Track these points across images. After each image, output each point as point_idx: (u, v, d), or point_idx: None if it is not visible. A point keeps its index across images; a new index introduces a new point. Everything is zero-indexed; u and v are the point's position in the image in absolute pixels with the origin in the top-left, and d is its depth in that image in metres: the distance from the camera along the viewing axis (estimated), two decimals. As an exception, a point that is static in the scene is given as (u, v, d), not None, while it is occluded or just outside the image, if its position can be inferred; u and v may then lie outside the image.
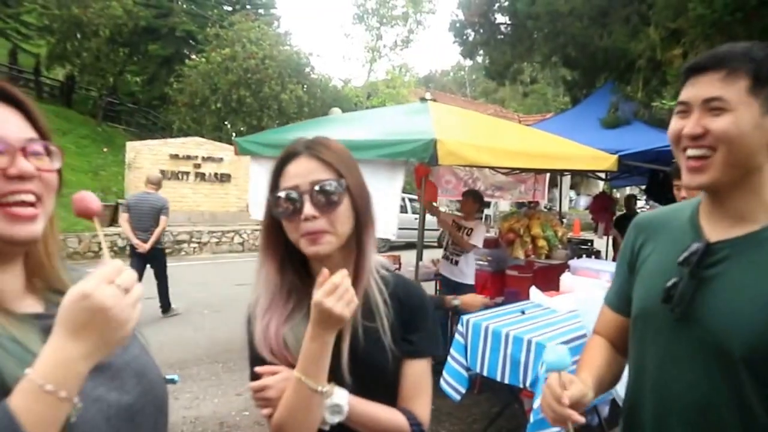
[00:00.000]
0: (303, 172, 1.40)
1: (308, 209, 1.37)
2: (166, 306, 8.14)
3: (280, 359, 1.43)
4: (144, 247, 7.87)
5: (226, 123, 22.24)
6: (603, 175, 9.32)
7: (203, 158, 16.98)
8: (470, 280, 6.59)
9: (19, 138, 1.03)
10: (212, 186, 17.10)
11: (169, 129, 22.97)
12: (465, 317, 4.54)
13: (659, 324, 1.42)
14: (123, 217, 7.99)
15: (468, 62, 27.32)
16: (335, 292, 1.27)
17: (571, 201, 29.69)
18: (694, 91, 1.34)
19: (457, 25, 12.89)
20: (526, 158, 5.67)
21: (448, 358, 4.51)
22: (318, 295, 1.28)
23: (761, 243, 1.32)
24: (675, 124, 1.39)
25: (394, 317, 1.47)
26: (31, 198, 1.02)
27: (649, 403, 1.44)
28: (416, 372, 1.49)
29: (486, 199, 11.25)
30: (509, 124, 7.21)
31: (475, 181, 9.60)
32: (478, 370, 4.32)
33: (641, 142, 7.55)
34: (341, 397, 1.37)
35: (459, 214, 7.25)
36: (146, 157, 16.20)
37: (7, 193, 1.00)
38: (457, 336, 4.56)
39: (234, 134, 21.03)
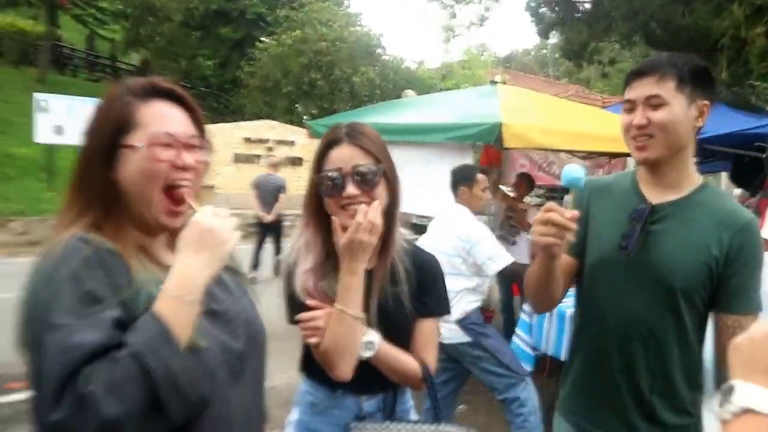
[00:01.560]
0: (346, 157, 1.73)
1: (350, 189, 1.71)
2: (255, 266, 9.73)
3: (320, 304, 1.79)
4: (267, 218, 9.75)
5: (297, 106, 22.78)
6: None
7: (275, 141, 17.50)
8: (527, 261, 6.70)
9: (185, 134, 1.32)
10: (284, 169, 17.44)
11: (240, 112, 23.69)
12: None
13: (615, 267, 1.89)
14: (252, 194, 9.97)
15: (550, 41, 26.93)
16: (359, 229, 1.65)
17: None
18: (638, 91, 1.81)
19: (533, 4, 12.94)
20: (598, 141, 5.81)
21: (513, 337, 4.74)
22: (348, 233, 1.66)
23: (690, 205, 1.83)
24: (624, 118, 1.85)
25: (412, 282, 1.84)
26: (188, 184, 1.32)
27: (612, 331, 1.90)
28: (428, 328, 1.88)
29: (561, 183, 11.29)
30: (580, 106, 7.33)
31: (550, 165, 9.77)
32: (543, 348, 4.53)
33: (724, 125, 7.53)
34: (374, 336, 1.75)
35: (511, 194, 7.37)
36: (219, 140, 16.54)
37: (173, 179, 1.29)
38: (522, 315, 4.79)
39: (305, 117, 21.49)
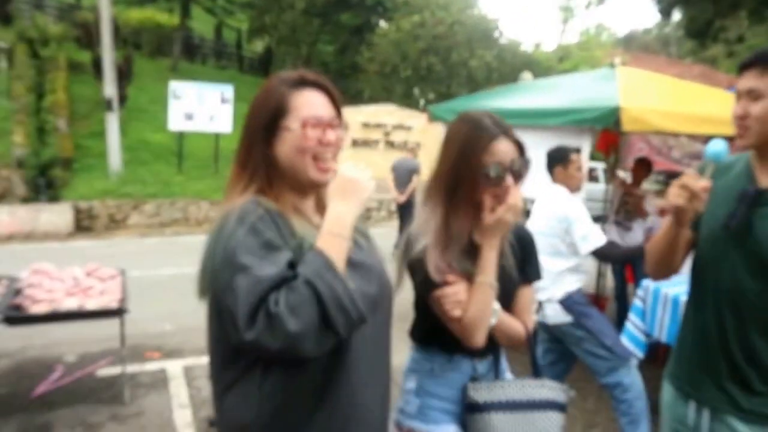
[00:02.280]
0: (505, 151, 1.88)
1: (509, 182, 1.87)
2: None
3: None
4: (400, 198, 10.83)
5: (414, 90, 22.92)
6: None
7: (393, 126, 17.70)
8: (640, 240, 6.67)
9: (329, 116, 1.60)
10: (402, 154, 17.30)
11: (359, 97, 24.08)
12: (645, 282, 4.63)
13: (719, 244, 2.01)
14: (389, 177, 11.08)
15: (675, 17, 25.77)
16: (509, 209, 1.86)
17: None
18: (742, 83, 1.91)
19: (655, -19, 12.47)
20: (716, 124, 5.49)
21: (627, 322, 4.66)
22: (499, 212, 1.86)
23: None
24: (733, 107, 1.95)
25: (516, 254, 2.05)
26: (331, 157, 1.60)
27: (710, 304, 2.03)
28: (528, 294, 2.09)
29: (680, 168, 10.89)
30: (703, 88, 7.07)
31: (669, 149, 9.52)
32: (656, 335, 4.41)
33: None
34: (497, 303, 1.93)
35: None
36: None
37: (320, 153, 1.57)
38: (636, 300, 4.68)
39: (422, 101, 21.67)
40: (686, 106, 5.71)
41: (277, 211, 1.51)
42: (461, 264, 1.92)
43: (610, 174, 6.83)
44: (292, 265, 1.42)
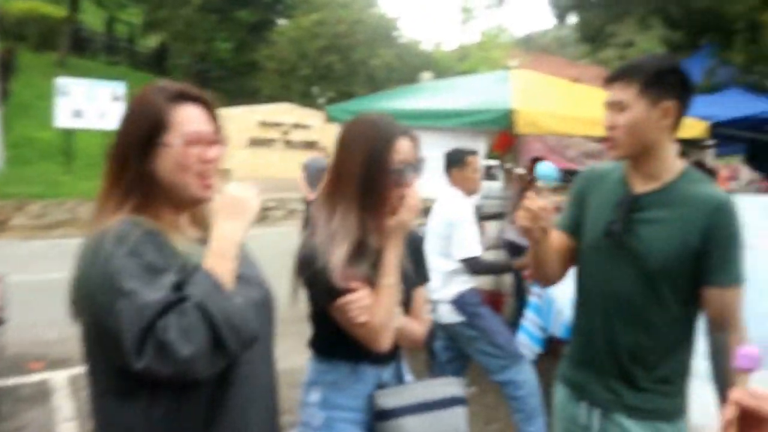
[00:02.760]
0: (408, 149, 1.90)
1: (412, 179, 1.90)
2: None
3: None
4: (311, 196, 10.37)
5: (314, 89, 22.80)
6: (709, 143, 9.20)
7: (292, 125, 17.57)
8: None
9: (210, 132, 1.55)
10: (301, 153, 17.30)
11: (257, 96, 23.73)
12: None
13: (602, 251, 2.07)
14: (300, 176, 11.06)
15: (571, 20, 26.71)
16: (411, 210, 1.88)
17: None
18: (608, 96, 1.99)
19: (550, -14, 12.83)
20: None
21: (523, 320, 4.71)
22: (402, 214, 1.87)
23: (669, 193, 1.97)
24: (604, 118, 2.02)
25: (409, 256, 2.04)
26: (213, 173, 1.56)
27: (597, 307, 2.10)
28: (423, 294, 2.10)
29: (575, 167, 11.25)
30: (597, 91, 7.30)
31: (565, 149, 9.72)
32: (552, 330, 4.41)
33: (739, 109, 7.54)
34: (398, 308, 1.94)
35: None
36: (235, 124, 16.77)
37: (203, 170, 1.52)
38: (532, 297, 4.77)
39: (321, 100, 21.48)
40: (579, 109, 5.82)
41: (156, 230, 1.47)
42: (363, 269, 1.90)
43: (507, 174, 6.89)
44: (178, 286, 1.39)
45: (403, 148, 1.89)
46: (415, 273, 2.08)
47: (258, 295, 1.59)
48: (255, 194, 1.58)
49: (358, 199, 1.90)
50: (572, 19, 16.30)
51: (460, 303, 3.98)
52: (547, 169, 2.14)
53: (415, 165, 1.92)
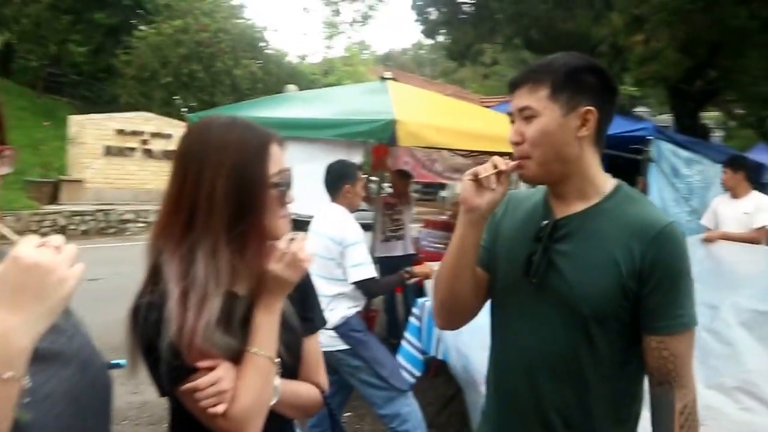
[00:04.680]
0: (282, 158, 1.47)
1: (293, 195, 1.49)
2: None
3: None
4: None
5: (176, 98, 21.82)
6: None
7: (151, 134, 16.58)
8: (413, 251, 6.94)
9: None
10: (160, 163, 16.50)
11: (115, 103, 22.35)
12: (420, 300, 4.61)
13: (522, 293, 1.67)
14: None
15: (428, 41, 27.35)
16: (283, 259, 1.43)
17: (514, 186, 30.10)
18: (514, 102, 1.62)
19: (419, 2, 12.86)
20: (487, 141, 5.67)
21: (402, 342, 4.58)
22: (277, 260, 1.42)
23: (595, 215, 1.61)
24: (510, 132, 1.66)
25: (295, 299, 1.56)
26: None
27: (518, 362, 1.68)
28: (315, 346, 1.65)
29: (443, 181, 11.27)
30: (470, 105, 7.25)
31: (432, 163, 9.65)
32: (432, 353, 4.38)
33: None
34: (277, 380, 1.45)
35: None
36: (90, 131, 15.72)
37: None
38: (411, 319, 4.63)
39: (185, 110, 20.64)
40: (457, 122, 5.69)
41: None
42: (227, 337, 1.39)
43: (378, 190, 6.60)
44: None
45: (277, 155, 1.45)
46: (305, 318, 1.61)
47: (73, 381, 1.06)
48: (70, 255, 0.95)
49: (224, 232, 1.37)
50: (432, 40, 16.53)
51: (344, 330, 3.62)
52: None
53: (290, 178, 1.49)
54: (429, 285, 4.42)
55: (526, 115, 1.57)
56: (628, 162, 7.00)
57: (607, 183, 1.65)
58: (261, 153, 1.42)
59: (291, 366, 1.53)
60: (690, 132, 10.88)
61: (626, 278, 1.52)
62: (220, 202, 1.36)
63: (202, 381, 1.33)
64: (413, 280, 4.42)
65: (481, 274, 1.78)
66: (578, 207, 1.63)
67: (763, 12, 8.90)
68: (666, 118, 22.66)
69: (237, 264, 1.40)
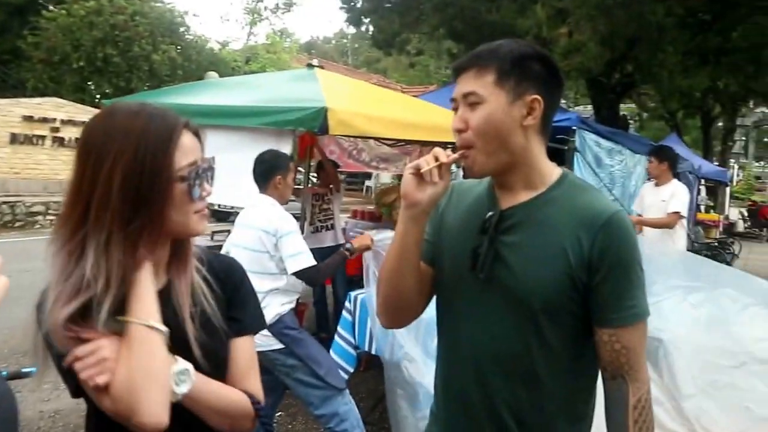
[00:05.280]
0: (195, 148, 1.38)
1: (208, 187, 1.40)
2: None
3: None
4: None
5: (89, 84, 20.95)
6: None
7: (62, 121, 15.84)
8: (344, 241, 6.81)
9: None
10: (73, 152, 15.81)
11: (22, 88, 21.26)
12: (353, 294, 4.55)
13: (469, 288, 1.62)
14: None
15: (351, 30, 27.27)
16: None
17: (454, 176, 30.57)
18: (458, 88, 1.57)
19: (345, -10, 12.72)
20: (415, 130, 5.67)
21: (335, 336, 4.52)
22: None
23: (542, 205, 1.57)
24: (452, 120, 1.60)
25: (218, 296, 1.48)
26: None
27: (467, 359, 1.64)
28: (247, 349, 1.53)
29: (369, 170, 11.22)
30: (398, 95, 7.23)
31: (359, 152, 9.57)
32: (366, 348, 4.34)
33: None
34: (186, 363, 1.32)
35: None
36: None
37: None
38: (344, 313, 4.57)
39: (99, 96, 19.94)
40: (388, 111, 5.61)
41: None
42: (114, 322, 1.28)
43: (306, 180, 6.49)
44: None
45: (188, 144, 1.36)
46: (233, 318, 1.51)
47: None
48: None
49: (119, 227, 1.29)
50: (358, 28, 16.45)
51: (279, 328, 3.50)
52: None
53: (207, 169, 1.40)
54: (369, 258, 4.34)
55: (470, 101, 1.53)
56: (553, 152, 7.12)
57: (554, 172, 1.62)
58: (166, 143, 1.32)
59: (211, 372, 1.40)
60: (610, 123, 11.23)
61: (575, 268, 1.49)
62: (117, 194, 1.26)
63: (80, 349, 1.24)
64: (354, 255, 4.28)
65: (426, 269, 1.73)
66: (524, 197, 1.59)
67: (678, 9, 9.28)
68: (582, 110, 23.46)
69: (129, 261, 1.30)
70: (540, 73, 1.55)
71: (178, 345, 1.33)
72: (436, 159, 1.49)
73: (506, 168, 1.57)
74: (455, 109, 1.59)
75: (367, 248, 4.22)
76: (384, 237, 4.39)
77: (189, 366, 1.32)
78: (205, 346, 1.39)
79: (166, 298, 1.38)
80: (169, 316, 1.35)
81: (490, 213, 1.60)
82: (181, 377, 1.30)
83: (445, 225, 1.73)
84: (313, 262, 3.59)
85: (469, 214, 1.68)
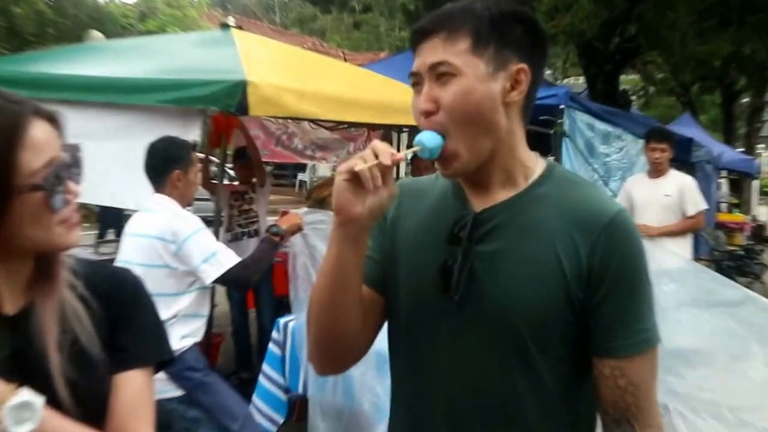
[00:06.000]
0: (50, 141, 1.37)
1: (74, 187, 1.39)
2: None
3: None
4: None
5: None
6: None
7: None
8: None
9: None
10: None
11: None
12: (282, 320, 4.54)
13: (436, 314, 1.60)
14: None
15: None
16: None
17: (408, 164, 30.19)
18: (421, 58, 1.54)
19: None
20: (362, 109, 5.73)
21: (260, 377, 4.52)
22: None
23: (527, 203, 1.57)
24: (413, 101, 1.58)
25: (97, 319, 1.47)
26: None
27: (437, 403, 1.61)
28: (132, 387, 1.49)
29: (303, 161, 11.18)
30: (339, 63, 7.25)
31: (290, 138, 9.56)
32: (300, 390, 4.33)
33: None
34: (30, 395, 1.27)
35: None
36: None
37: None
38: (271, 346, 4.57)
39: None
40: (325, 85, 5.63)
41: None
42: None
43: (221, 174, 6.45)
44: None
45: (41, 138, 1.34)
46: (116, 347, 1.48)
47: None
48: None
49: None
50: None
51: (177, 369, 3.40)
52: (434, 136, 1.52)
53: (71, 164, 1.40)
54: (298, 247, 4.38)
55: (441, 72, 1.49)
56: (534, 137, 7.22)
57: (537, 163, 1.64)
58: (8, 141, 1.30)
59: (83, 415, 1.38)
60: (607, 100, 11.43)
61: (571, 283, 1.48)
62: None
63: None
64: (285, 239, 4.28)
65: (372, 295, 1.72)
66: (503, 195, 1.58)
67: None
68: (572, 83, 23.79)
69: None
70: (522, 38, 1.54)
71: (36, 380, 1.30)
72: (376, 157, 1.42)
73: (487, 158, 1.55)
74: (416, 85, 1.57)
75: (298, 228, 4.24)
76: (316, 219, 4.40)
77: (35, 400, 1.27)
78: (73, 382, 1.37)
79: (22, 324, 1.37)
80: (24, 345, 1.34)
81: (461, 217, 1.59)
82: (20, 414, 1.25)
83: (398, 237, 1.72)
84: (236, 259, 3.57)
85: (432, 221, 1.67)
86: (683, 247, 6.32)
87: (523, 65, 1.51)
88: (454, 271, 1.55)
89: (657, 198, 6.38)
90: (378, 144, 1.45)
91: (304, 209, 4.70)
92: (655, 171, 6.56)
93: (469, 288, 1.54)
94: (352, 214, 1.44)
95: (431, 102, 1.50)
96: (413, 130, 10.49)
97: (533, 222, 1.54)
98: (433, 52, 1.51)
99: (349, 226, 1.47)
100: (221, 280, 3.53)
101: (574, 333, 1.51)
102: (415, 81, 1.56)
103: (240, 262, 3.58)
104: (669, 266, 4.22)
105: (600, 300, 1.48)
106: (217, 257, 3.50)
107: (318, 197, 7.59)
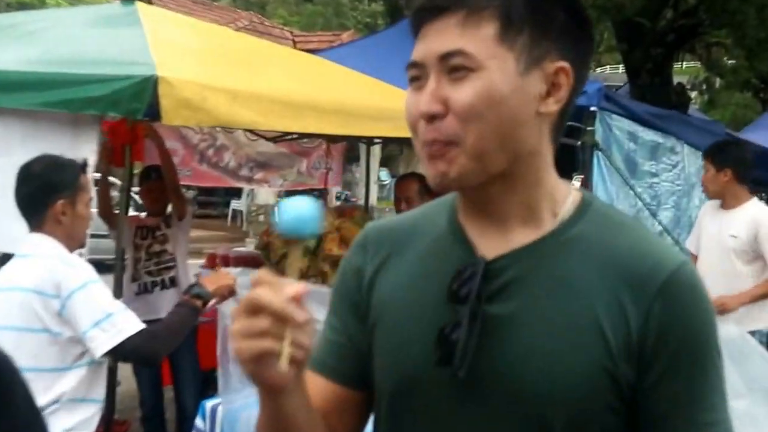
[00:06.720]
0: None
1: None
2: None
3: None
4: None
5: None
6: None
7: None
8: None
9: None
10: None
11: None
12: (208, 403, 4.61)
13: (437, 394, 1.58)
14: None
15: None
16: None
17: (383, 187, 29.77)
18: (428, 44, 1.50)
19: None
20: (318, 115, 5.66)
21: None
22: None
23: (553, 253, 1.55)
24: (408, 98, 1.56)
25: None
26: None
27: None
28: None
29: (238, 184, 11.20)
30: (285, 51, 7.28)
31: (219, 153, 9.59)
32: None
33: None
34: None
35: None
36: None
37: None
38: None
39: None
40: (269, 81, 5.71)
41: None
42: None
43: (125, 204, 6.47)
44: None
45: None
46: None
47: None
48: None
49: None
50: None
51: None
52: (298, 208, 1.42)
53: None
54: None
55: (454, 65, 1.46)
56: (564, 147, 7.31)
57: (569, 194, 1.62)
58: None
59: None
60: (655, 97, 11.45)
61: (617, 357, 1.45)
62: None
63: None
64: (211, 305, 4.28)
65: (344, 394, 1.74)
66: (523, 237, 1.57)
67: None
68: (608, 75, 23.90)
69: None
70: (565, 28, 1.52)
71: None
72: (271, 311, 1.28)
73: (500, 180, 1.53)
74: (416, 80, 1.54)
75: (230, 292, 4.25)
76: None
77: None
78: None
79: None
80: None
81: (466, 266, 1.55)
82: None
83: (380, 297, 1.71)
84: (140, 326, 3.57)
85: (424, 272, 1.66)
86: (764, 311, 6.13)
87: (564, 64, 1.50)
88: (459, 338, 1.50)
89: (720, 236, 6.20)
90: (262, 274, 1.32)
91: (239, 269, 4.71)
92: (713, 196, 6.47)
93: (478, 362, 1.50)
94: (274, 383, 1.37)
95: (439, 103, 1.46)
96: (387, 143, 10.48)
97: (565, 276, 1.52)
98: (445, 36, 1.47)
99: (279, 394, 1.42)
100: (118, 352, 3.54)
101: (619, 425, 1.50)
102: (416, 74, 1.53)
103: (146, 330, 3.60)
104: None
105: (655, 380, 1.46)
106: (114, 320, 3.48)
107: (270, 247, 7.57)
